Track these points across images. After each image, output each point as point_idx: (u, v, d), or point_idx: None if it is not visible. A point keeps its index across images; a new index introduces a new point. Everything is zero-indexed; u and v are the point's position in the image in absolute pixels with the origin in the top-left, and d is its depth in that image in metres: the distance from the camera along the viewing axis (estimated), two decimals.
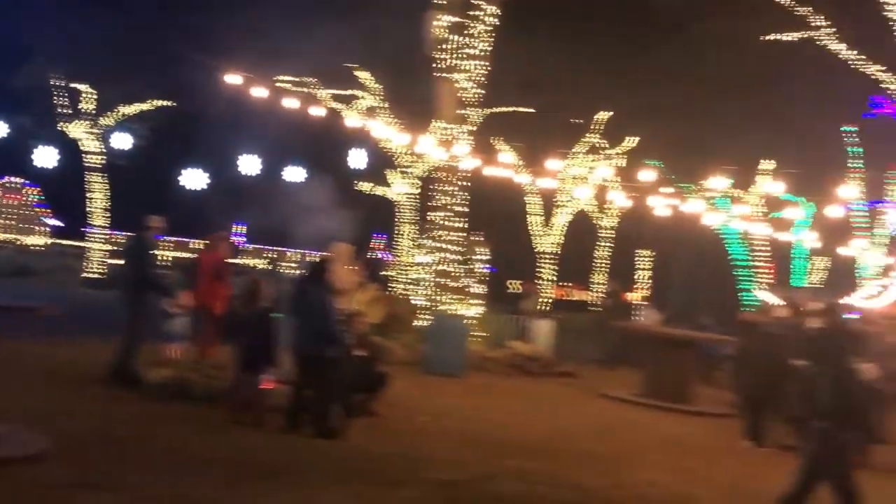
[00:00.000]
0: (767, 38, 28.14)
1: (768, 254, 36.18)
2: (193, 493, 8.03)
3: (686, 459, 12.13)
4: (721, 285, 37.25)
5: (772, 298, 31.54)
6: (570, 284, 51.01)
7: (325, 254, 14.37)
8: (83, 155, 36.94)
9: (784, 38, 28.10)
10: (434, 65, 20.36)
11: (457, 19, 20.12)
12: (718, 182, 30.64)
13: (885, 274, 33.79)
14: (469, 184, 21.05)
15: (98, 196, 37.41)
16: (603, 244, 38.48)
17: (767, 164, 32.80)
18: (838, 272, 37.40)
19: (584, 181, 34.22)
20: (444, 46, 20.00)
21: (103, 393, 12.06)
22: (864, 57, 27.56)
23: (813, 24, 27.54)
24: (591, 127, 34.56)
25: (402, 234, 35.30)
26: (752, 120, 32.27)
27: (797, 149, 32.44)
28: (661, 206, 29.36)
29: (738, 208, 32.60)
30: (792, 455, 11.34)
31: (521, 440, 11.78)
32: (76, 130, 36.51)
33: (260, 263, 56.70)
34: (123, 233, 43.20)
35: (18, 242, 72.25)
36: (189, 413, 11.30)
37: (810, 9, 27.21)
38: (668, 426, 14.69)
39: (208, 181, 39.82)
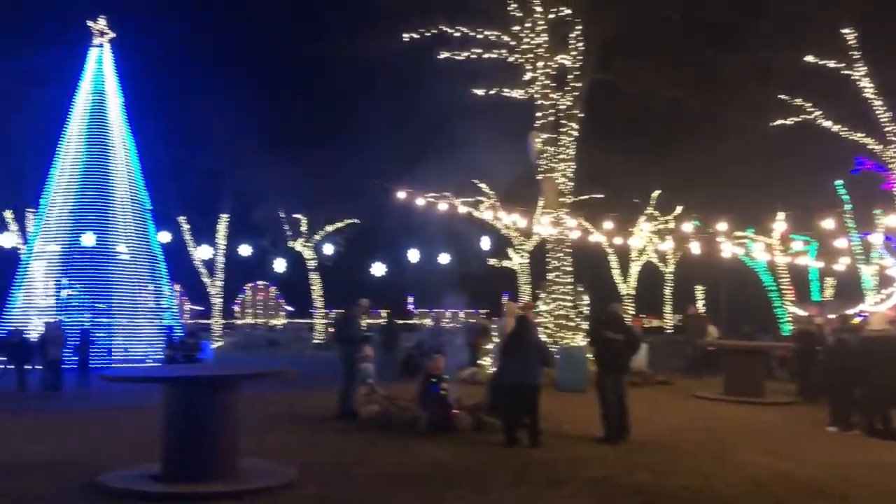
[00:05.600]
0: (773, 124, 27.12)
1: (788, 278, 34.62)
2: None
3: (776, 442, 10.50)
4: (756, 303, 35.80)
5: (800, 311, 30.08)
6: (645, 315, 49.03)
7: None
8: (304, 261, 37.69)
9: (786, 122, 27.09)
10: (538, 168, 19.70)
11: (551, 135, 19.51)
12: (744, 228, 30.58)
13: (885, 285, 32.25)
14: (571, 250, 20.00)
15: (316, 287, 37.97)
16: (666, 283, 37.28)
17: (780, 214, 31.49)
18: (844, 288, 36.19)
19: (650, 241, 34.02)
20: (544, 155, 19.33)
21: (332, 428, 11.26)
22: (846, 128, 26.29)
23: (806, 109, 26.59)
24: (648, 202, 33.81)
25: (522, 292, 35.09)
26: (766, 179, 30.90)
27: (798, 198, 31.10)
28: (705, 250, 28.32)
29: (760, 246, 31.61)
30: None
31: (644, 438, 10.33)
32: (297, 245, 37.17)
33: (427, 322, 56.17)
34: (334, 310, 43.59)
35: (267, 323, 73.77)
36: (392, 438, 10.34)
37: (800, 99, 26.24)
38: (751, 416, 12.99)
39: (386, 269, 39.65)
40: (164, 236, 29.77)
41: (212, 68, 38.13)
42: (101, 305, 23.84)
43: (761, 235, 32.44)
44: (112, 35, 26.05)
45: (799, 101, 26.84)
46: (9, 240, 31.65)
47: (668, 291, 37.35)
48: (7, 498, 7.27)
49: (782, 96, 26.81)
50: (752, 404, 14.12)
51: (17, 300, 24.64)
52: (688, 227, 27.81)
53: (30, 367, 17.25)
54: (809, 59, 25.55)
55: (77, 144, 25.27)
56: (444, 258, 36.91)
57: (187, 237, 35.50)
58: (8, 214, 32.17)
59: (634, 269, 37.13)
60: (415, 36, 19.73)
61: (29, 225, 30.68)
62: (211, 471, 7.53)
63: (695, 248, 28.57)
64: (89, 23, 25.73)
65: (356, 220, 37.26)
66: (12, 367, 17.80)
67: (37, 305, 24.15)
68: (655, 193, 33.96)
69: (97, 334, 22.00)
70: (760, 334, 22.88)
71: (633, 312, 37.59)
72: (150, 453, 8.03)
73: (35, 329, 21.54)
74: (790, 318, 29.92)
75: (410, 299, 60.80)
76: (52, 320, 19.61)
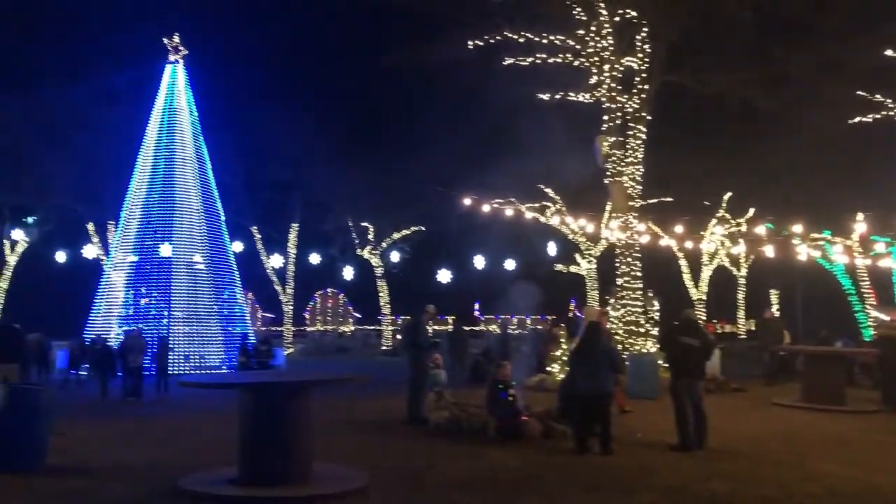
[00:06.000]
0: (852, 121, 25.99)
1: (868, 281, 33.28)
2: None
3: (857, 452, 10.08)
4: (834, 307, 34.51)
5: (882, 316, 28.89)
6: (717, 320, 47.82)
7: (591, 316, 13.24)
8: (371, 268, 38.14)
9: (866, 119, 25.94)
10: (606, 172, 19.49)
11: (618, 138, 19.30)
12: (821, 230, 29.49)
13: None
14: (640, 255, 19.70)
15: (383, 294, 38.34)
16: (739, 287, 36.35)
17: (860, 215, 30.22)
18: None
19: (722, 245, 33.17)
20: (611, 159, 19.12)
21: (401, 434, 11.36)
22: None
23: (887, 105, 25.41)
24: (719, 205, 33.01)
25: (590, 297, 34.73)
26: (844, 179, 29.80)
27: (879, 198, 29.77)
28: (779, 253, 27.47)
29: (839, 248, 30.36)
30: None
31: (720, 445, 10.08)
32: (365, 253, 37.64)
33: (494, 328, 55.99)
34: (401, 317, 43.86)
35: (337, 330, 74.76)
36: (461, 444, 10.35)
37: (879, 95, 25.17)
38: (832, 424, 12.48)
39: (452, 276, 39.78)
40: (238, 246, 30.56)
41: (281, 82, 39.01)
42: (178, 313, 24.58)
43: (839, 237, 31.26)
44: (185, 52, 26.91)
45: (879, 98, 25.82)
46: (91, 251, 32.98)
47: (741, 296, 36.42)
48: (92, 499, 7.57)
49: (861, 93, 25.84)
50: (833, 412, 13.60)
51: (98, 309, 25.63)
52: (761, 229, 26.99)
53: (109, 373, 17.89)
54: (889, 53, 24.55)
55: (154, 158, 26.16)
56: (510, 264, 36.85)
57: (259, 247, 36.34)
58: (90, 227, 33.52)
59: (706, 273, 36.38)
60: (479, 43, 19.77)
61: (110, 237, 31.88)
62: (286, 475, 7.67)
63: (769, 251, 27.70)
64: (165, 40, 26.64)
65: (422, 228, 37.52)
66: (94, 373, 18.52)
67: (117, 314, 25.07)
68: (727, 196, 33.15)
69: (175, 342, 22.70)
70: (845, 340, 21.98)
71: (705, 318, 36.79)
72: (228, 457, 8.24)
73: (116, 337, 22.37)
74: (872, 323, 28.71)
75: (476, 305, 60.76)
76: (133, 328, 20.31)
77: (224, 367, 23.91)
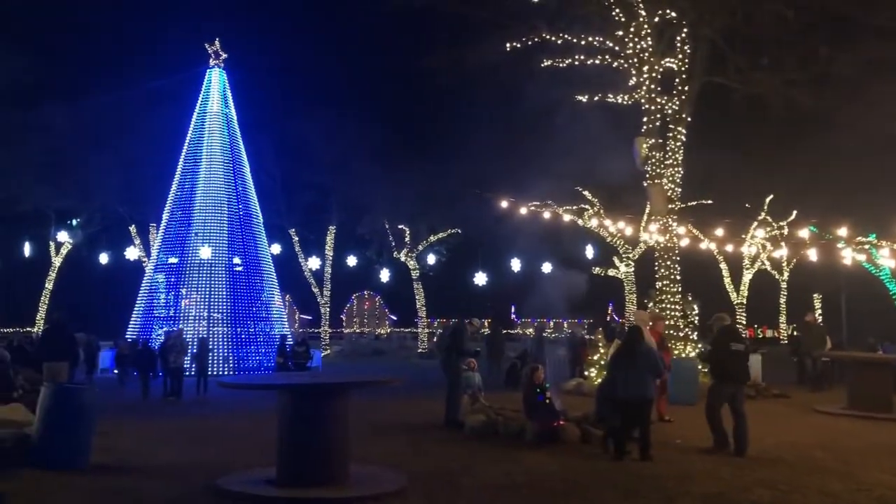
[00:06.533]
0: None
1: None
2: None
3: None
4: (881, 313, 33.66)
5: None
6: (758, 326, 47.07)
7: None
8: (407, 271, 38.25)
9: None
10: (646, 174, 19.29)
11: (657, 140, 19.11)
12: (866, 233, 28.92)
13: None
14: (680, 258, 19.46)
15: (419, 297, 38.42)
16: (781, 292, 35.72)
17: None
18: None
19: (763, 248, 32.63)
20: (650, 161, 18.93)
21: (437, 437, 11.35)
22: None
23: None
24: (761, 208, 32.48)
25: (628, 301, 34.42)
26: (891, 180, 29.03)
27: None
28: (823, 257, 26.91)
29: (885, 251, 29.57)
30: None
31: (761, 453, 9.91)
32: (401, 256, 37.78)
33: (530, 331, 55.69)
34: (437, 319, 43.79)
35: (373, 332, 75.09)
36: (498, 448, 10.31)
37: None
38: (879, 433, 12.15)
39: (488, 279, 39.63)
40: (276, 248, 30.88)
41: (320, 86, 39.30)
42: (217, 315, 24.91)
43: (886, 240, 30.50)
44: (225, 56, 27.30)
45: None
46: (133, 253, 33.60)
47: (782, 301, 35.81)
48: (134, 498, 7.69)
49: None
50: (880, 420, 13.26)
51: (139, 310, 26.09)
52: (804, 232, 26.46)
53: (150, 373, 18.21)
54: None
55: (194, 161, 26.57)
56: (546, 267, 36.62)
57: (297, 249, 36.67)
58: (132, 229, 34.16)
59: (746, 277, 35.83)
60: (517, 45, 19.71)
61: (152, 239, 32.45)
62: (323, 476, 7.72)
63: (812, 255, 27.12)
64: (206, 45, 27.07)
65: (458, 230, 37.53)
66: (135, 373, 18.86)
67: (158, 315, 25.49)
68: (769, 198, 32.62)
69: (214, 343, 23.01)
70: (886, 346, 21.54)
71: (744, 322, 36.25)
72: (267, 458, 8.31)
73: (157, 338, 22.76)
74: None
75: (513, 308, 60.61)
76: (174, 329, 20.63)
77: (262, 369, 24.17)
